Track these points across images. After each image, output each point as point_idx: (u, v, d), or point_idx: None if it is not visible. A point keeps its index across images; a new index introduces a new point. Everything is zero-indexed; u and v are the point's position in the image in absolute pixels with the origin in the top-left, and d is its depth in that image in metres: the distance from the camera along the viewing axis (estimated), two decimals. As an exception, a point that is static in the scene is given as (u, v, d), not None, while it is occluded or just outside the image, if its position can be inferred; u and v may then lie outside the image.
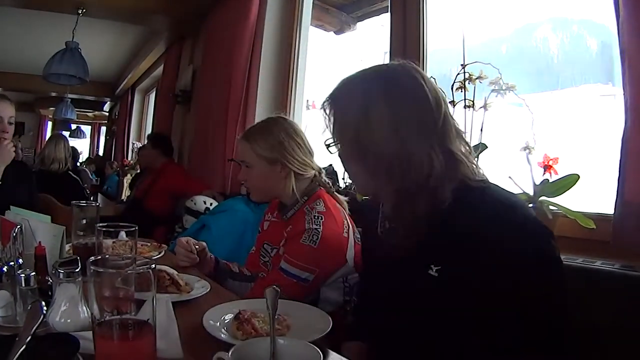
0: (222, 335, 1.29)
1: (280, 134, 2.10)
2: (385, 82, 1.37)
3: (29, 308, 0.97)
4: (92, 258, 0.94)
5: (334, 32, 4.26)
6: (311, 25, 4.31)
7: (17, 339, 0.91)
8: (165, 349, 1.16)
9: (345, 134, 1.39)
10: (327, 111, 1.44)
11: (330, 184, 2.22)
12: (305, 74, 4.31)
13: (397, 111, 1.33)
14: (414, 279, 1.33)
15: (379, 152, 1.33)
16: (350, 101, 1.38)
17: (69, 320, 1.28)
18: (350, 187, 2.96)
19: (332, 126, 1.43)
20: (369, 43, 3.87)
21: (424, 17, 2.85)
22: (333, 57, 4.33)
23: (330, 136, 1.46)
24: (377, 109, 1.33)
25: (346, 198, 2.23)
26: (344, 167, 1.52)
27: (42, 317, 0.91)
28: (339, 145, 1.44)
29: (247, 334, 1.30)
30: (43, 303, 0.96)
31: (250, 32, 4.41)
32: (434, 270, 1.28)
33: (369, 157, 1.35)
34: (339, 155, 1.48)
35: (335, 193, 2.21)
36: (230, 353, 0.96)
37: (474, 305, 1.20)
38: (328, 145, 1.47)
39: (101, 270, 0.94)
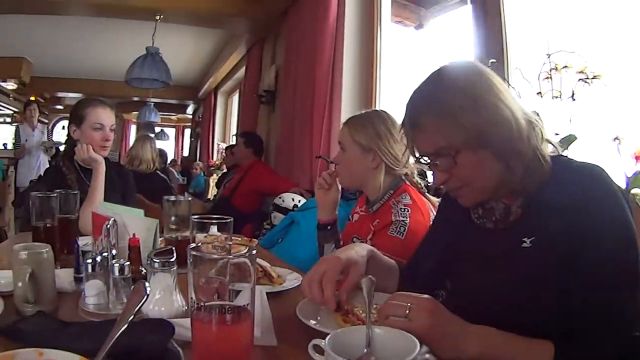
0: (317, 324, 1.30)
1: (380, 126, 2.12)
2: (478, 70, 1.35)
3: (132, 288, 0.98)
4: (192, 245, 0.95)
5: (414, 28, 4.22)
6: (391, 22, 4.30)
7: (118, 318, 0.92)
8: (260, 336, 1.17)
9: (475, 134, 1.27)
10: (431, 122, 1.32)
11: (422, 185, 2.22)
12: (388, 71, 4.29)
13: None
14: (508, 254, 1.31)
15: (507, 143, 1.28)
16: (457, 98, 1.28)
17: (162, 309, 1.32)
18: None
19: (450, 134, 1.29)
20: (449, 37, 3.81)
21: (503, 6, 2.79)
22: (415, 53, 4.29)
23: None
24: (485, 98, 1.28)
25: (438, 199, 2.20)
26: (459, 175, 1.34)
27: (146, 297, 0.92)
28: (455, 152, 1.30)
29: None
30: (147, 283, 0.97)
31: (331, 31, 4.44)
32: (528, 242, 1.27)
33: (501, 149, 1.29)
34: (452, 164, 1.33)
35: (427, 194, 2.20)
36: (326, 340, 0.96)
37: (562, 276, 1.19)
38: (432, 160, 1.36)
39: (202, 255, 0.94)
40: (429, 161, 1.37)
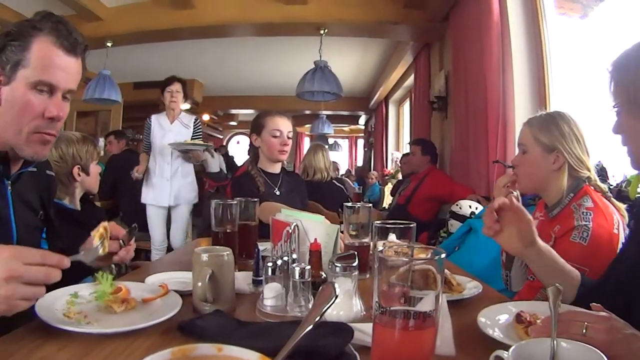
0: (498, 335, 1.27)
1: (564, 126, 2.05)
2: None
3: (320, 289, 0.99)
4: (381, 248, 0.96)
5: (579, 17, 4.03)
6: (555, 14, 4.15)
7: (306, 316, 0.94)
8: (439, 344, 1.16)
9: None
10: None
11: (606, 189, 2.10)
12: (558, 65, 4.12)
13: None
14: None
15: None
16: None
17: (341, 312, 1.35)
18: (622, 185, 2.75)
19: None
20: (616, 24, 3.57)
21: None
22: (583, 43, 4.06)
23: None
24: None
25: (625, 205, 2.07)
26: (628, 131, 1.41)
27: (334, 298, 0.93)
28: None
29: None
30: (337, 285, 0.98)
31: (496, 29, 4.37)
32: None
33: None
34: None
35: (613, 199, 2.08)
36: (510, 352, 0.94)
37: None
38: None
39: (390, 260, 0.95)
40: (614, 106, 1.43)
